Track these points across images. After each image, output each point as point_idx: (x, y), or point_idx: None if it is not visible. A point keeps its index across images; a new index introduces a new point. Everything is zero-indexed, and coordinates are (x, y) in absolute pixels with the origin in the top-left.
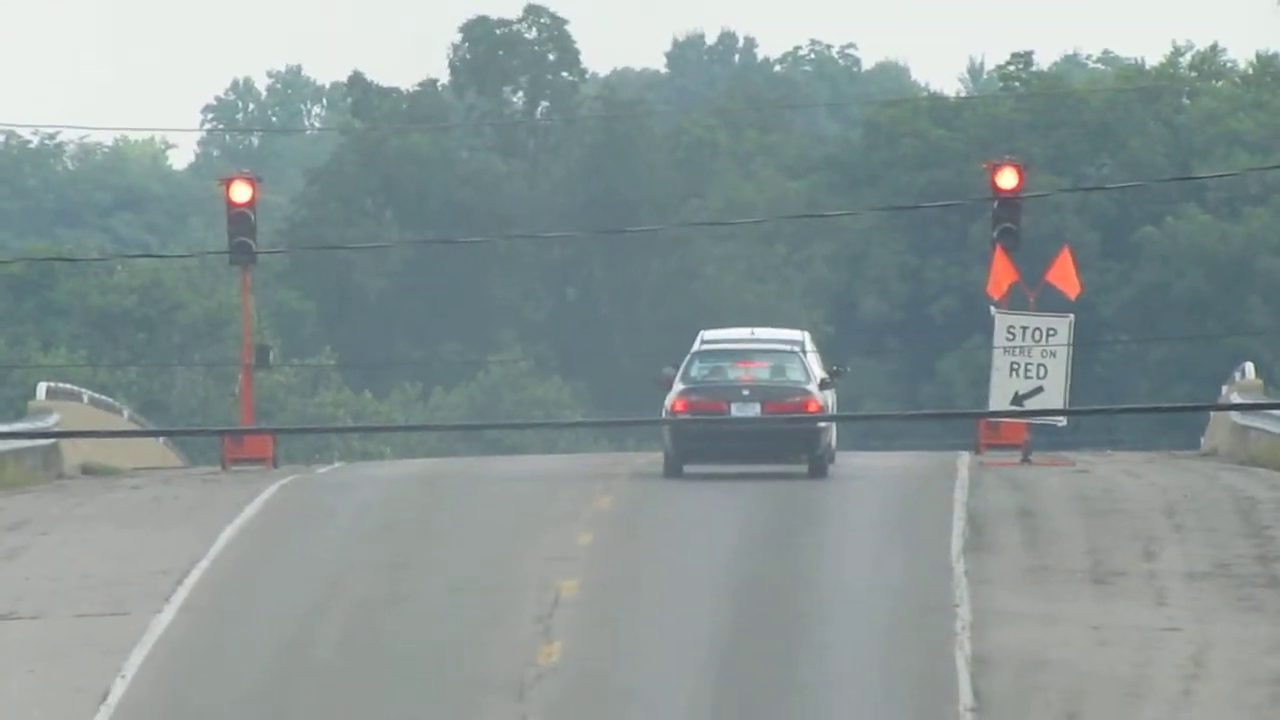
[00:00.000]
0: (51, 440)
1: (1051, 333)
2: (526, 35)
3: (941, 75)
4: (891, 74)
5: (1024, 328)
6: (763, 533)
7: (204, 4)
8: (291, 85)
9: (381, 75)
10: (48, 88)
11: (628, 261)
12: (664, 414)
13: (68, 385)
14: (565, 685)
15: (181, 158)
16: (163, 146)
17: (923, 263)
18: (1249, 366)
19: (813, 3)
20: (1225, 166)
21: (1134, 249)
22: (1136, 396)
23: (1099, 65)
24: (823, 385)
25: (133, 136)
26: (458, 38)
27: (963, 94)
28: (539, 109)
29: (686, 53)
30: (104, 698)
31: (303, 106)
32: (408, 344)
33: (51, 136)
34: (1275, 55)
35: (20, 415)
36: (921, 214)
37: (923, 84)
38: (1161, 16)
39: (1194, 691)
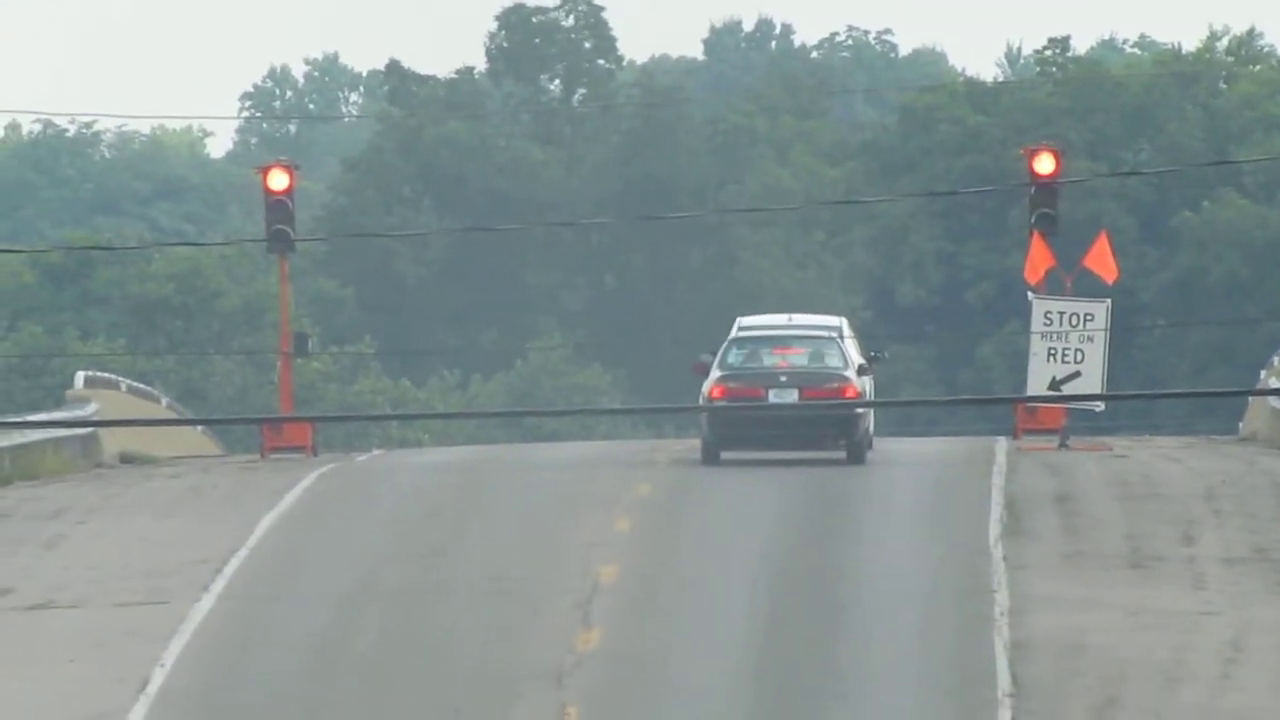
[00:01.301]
0: (90, 429)
1: (1089, 318)
2: (563, 23)
3: (978, 61)
4: (928, 60)
5: (1061, 313)
6: (800, 519)
7: None
8: (329, 73)
9: (418, 63)
10: (84, 76)
11: (666, 248)
12: (701, 400)
13: (106, 374)
14: (604, 672)
15: (219, 146)
16: (200, 135)
17: (960, 248)
18: None
19: None
20: (1263, 151)
21: (1172, 234)
22: (1175, 381)
23: (1135, 50)
24: (860, 371)
25: (170, 125)
26: (494, 25)
27: (1000, 79)
28: (575, 96)
29: (723, 39)
30: (143, 686)
31: (340, 94)
32: (446, 332)
33: (89, 125)
34: None
35: (58, 404)
36: (959, 200)
37: (960, 69)
38: (1198, 1)
39: (1232, 675)
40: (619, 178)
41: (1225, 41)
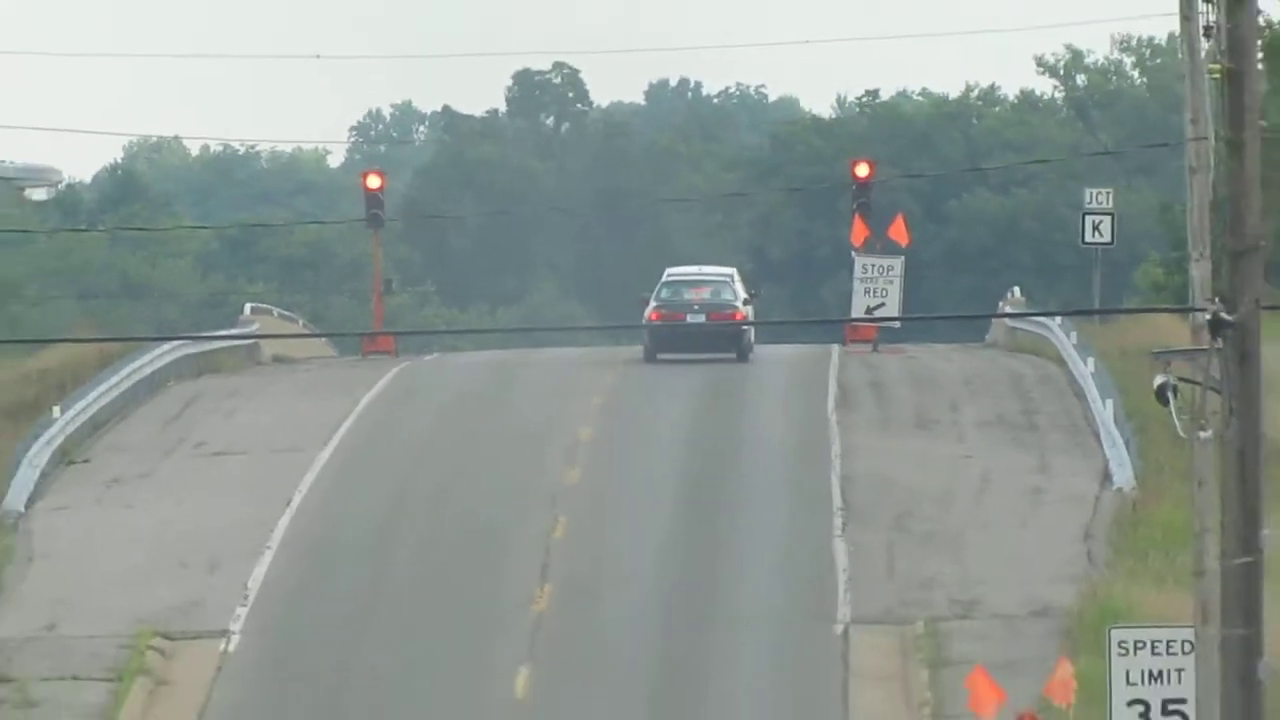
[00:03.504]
0: (253, 340)
1: (890, 269)
2: (554, 80)
3: (820, 104)
4: (789, 104)
5: (873, 264)
6: (706, 395)
7: (349, 56)
8: (405, 112)
9: (462, 106)
10: (253, 112)
11: (621, 226)
12: (644, 322)
13: (264, 305)
14: (582, 498)
15: (335, 160)
16: (324, 152)
17: (810, 224)
18: (1016, 290)
19: (737, 57)
20: (1001, 162)
21: (944, 215)
22: (946, 310)
23: (920, 97)
24: (745, 303)
25: (304, 146)
26: (510, 82)
27: (833, 116)
28: (562, 128)
29: (658, 91)
30: (287, 503)
31: (413, 127)
32: (480, 279)
33: (253, 146)
34: (1031, 91)
35: (233, 324)
36: (809, 193)
37: (809, 110)
38: (960, 62)
39: (983, 498)
40: (591, 181)
41: (976, 91)
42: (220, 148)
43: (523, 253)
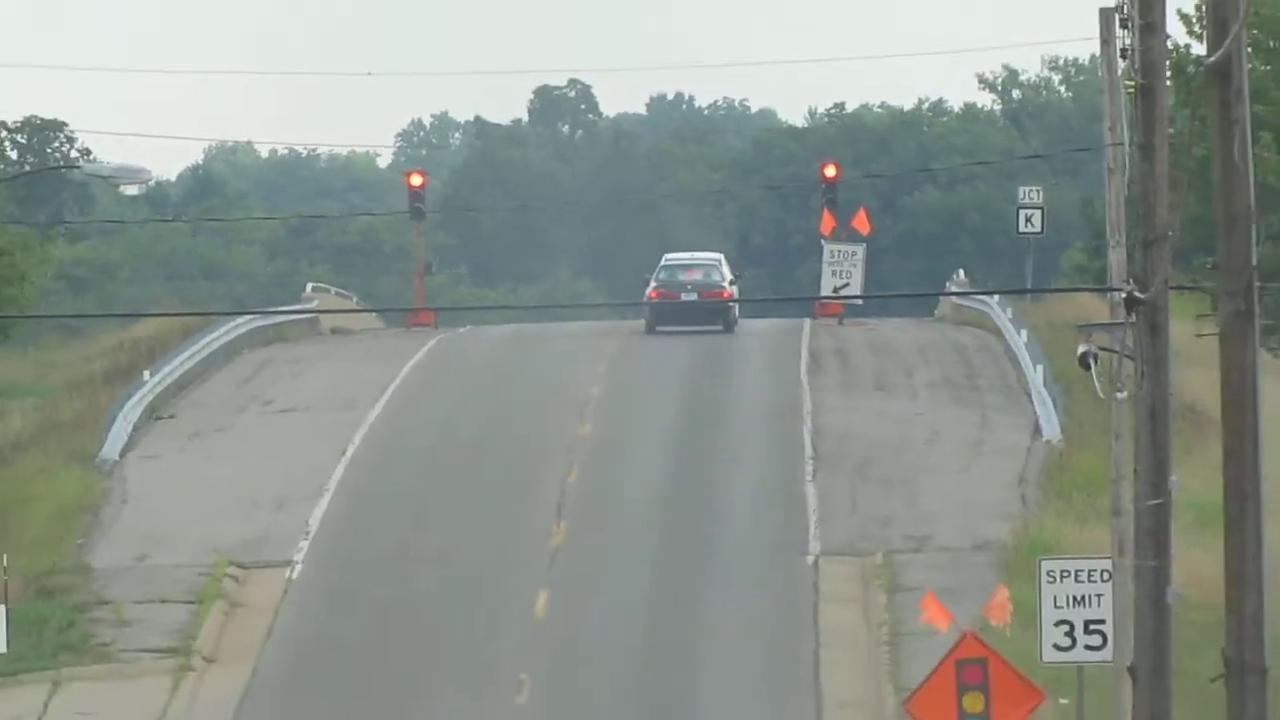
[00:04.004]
0: (314, 314)
1: (854, 254)
2: (569, 94)
3: (795, 114)
4: (769, 115)
5: (840, 250)
6: (697, 361)
7: (396, 74)
8: (443, 121)
9: (491, 115)
10: (314, 121)
11: (627, 217)
12: (645, 299)
13: (323, 284)
14: (594, 446)
15: (384, 162)
16: (374, 155)
17: (785, 216)
18: (961, 272)
19: (725, 75)
20: (948, 163)
21: (899, 209)
22: (901, 289)
23: (879, 109)
24: (731, 283)
25: (357, 150)
26: (532, 96)
27: (806, 125)
28: (576, 134)
29: (658, 103)
30: (343, 452)
31: (449, 134)
32: (507, 261)
33: (314, 150)
34: (974, 104)
35: (297, 301)
36: (786, 189)
37: (785, 120)
38: (912, 78)
39: (932, 449)
40: (600, 180)
41: (927, 104)
42: (285, 151)
43: (542, 240)
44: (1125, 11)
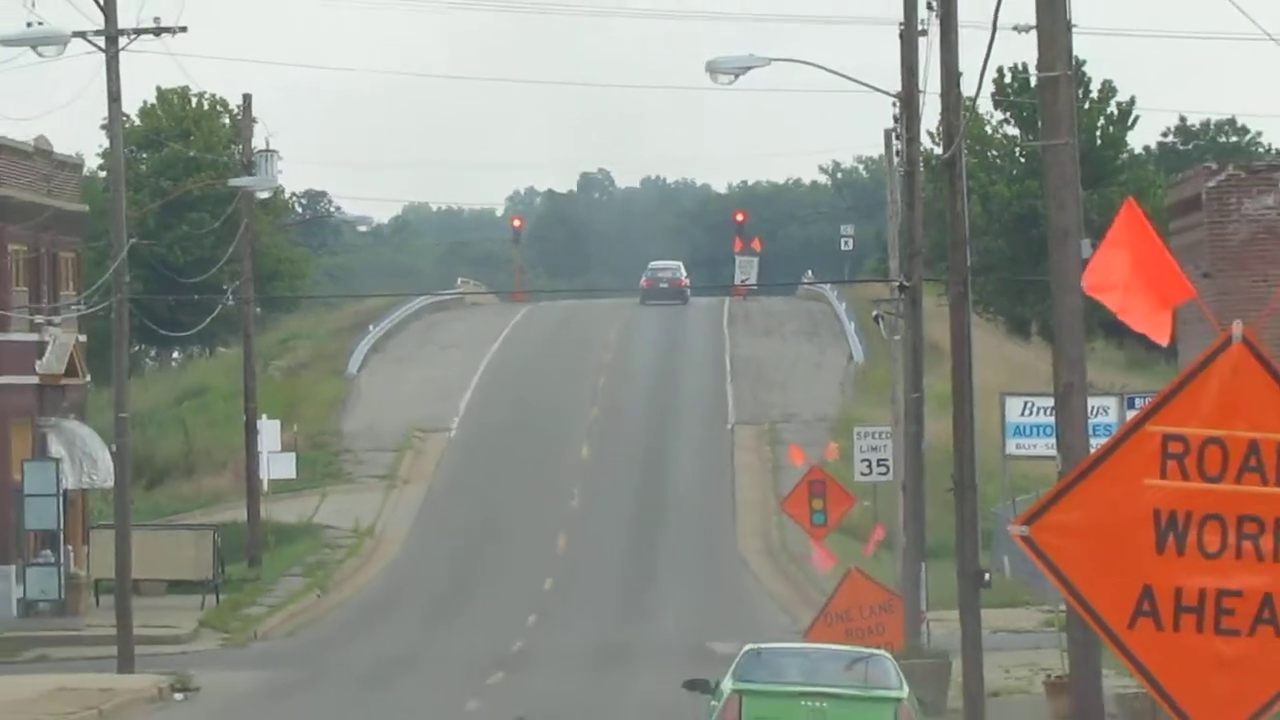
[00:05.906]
0: (461, 294)
1: (753, 262)
2: (598, 175)
3: (721, 184)
4: (706, 186)
5: (745, 260)
6: (667, 321)
7: (509, 165)
8: (529, 191)
9: (557, 185)
10: (462, 188)
11: (632, 242)
12: (640, 286)
13: (466, 277)
14: (605, 407)
15: (499, 210)
16: (494, 209)
17: (715, 242)
18: (810, 272)
19: (685, 162)
20: (803, 213)
21: (780, 237)
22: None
23: (766, 183)
24: (686, 278)
25: (466, 206)
26: (579, 174)
27: (727, 191)
28: (604, 198)
29: (649, 181)
30: (477, 369)
31: (534, 197)
32: (564, 264)
33: (458, 206)
34: (818, 180)
35: (452, 286)
36: (716, 226)
37: (715, 189)
38: (784, 164)
39: (795, 367)
40: (617, 222)
41: (792, 180)
42: (444, 207)
43: (585, 254)
44: (898, 131)
